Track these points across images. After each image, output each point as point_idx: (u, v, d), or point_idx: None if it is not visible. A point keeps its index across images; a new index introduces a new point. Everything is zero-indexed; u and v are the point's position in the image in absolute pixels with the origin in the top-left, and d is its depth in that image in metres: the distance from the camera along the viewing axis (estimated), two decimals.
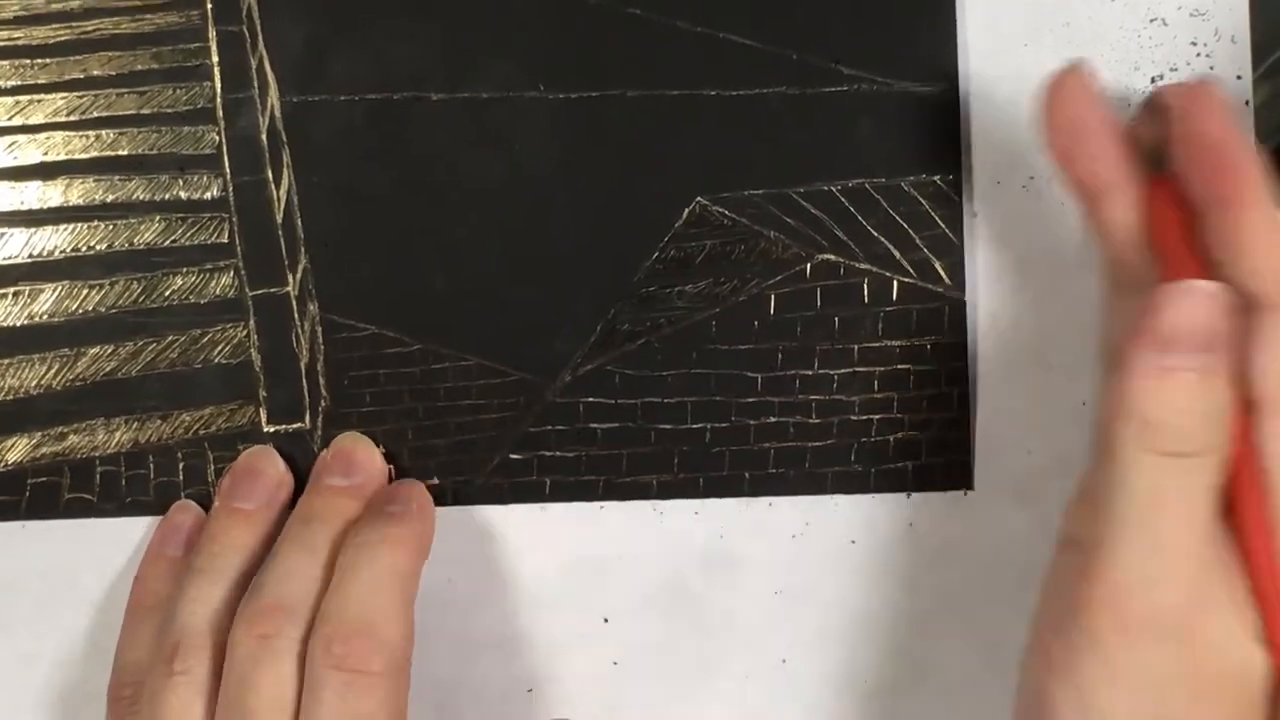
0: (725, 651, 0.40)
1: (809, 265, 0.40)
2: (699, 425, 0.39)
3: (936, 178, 0.39)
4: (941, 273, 0.40)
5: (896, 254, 0.40)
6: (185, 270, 0.39)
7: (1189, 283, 0.30)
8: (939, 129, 0.39)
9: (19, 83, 0.39)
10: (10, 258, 0.40)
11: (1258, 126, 0.39)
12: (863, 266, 0.40)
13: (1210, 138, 0.31)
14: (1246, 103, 0.39)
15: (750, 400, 0.39)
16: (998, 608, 0.39)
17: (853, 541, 0.40)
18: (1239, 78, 0.39)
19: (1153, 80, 0.39)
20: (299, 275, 0.39)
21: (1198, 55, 0.39)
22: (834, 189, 0.39)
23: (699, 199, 0.39)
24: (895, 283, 0.40)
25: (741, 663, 0.40)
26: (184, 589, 0.37)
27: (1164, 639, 0.30)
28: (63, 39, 0.39)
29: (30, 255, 0.39)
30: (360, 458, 0.39)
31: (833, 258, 0.40)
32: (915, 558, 0.40)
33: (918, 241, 0.40)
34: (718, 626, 0.40)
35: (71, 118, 0.39)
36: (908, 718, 0.40)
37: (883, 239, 0.39)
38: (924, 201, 0.39)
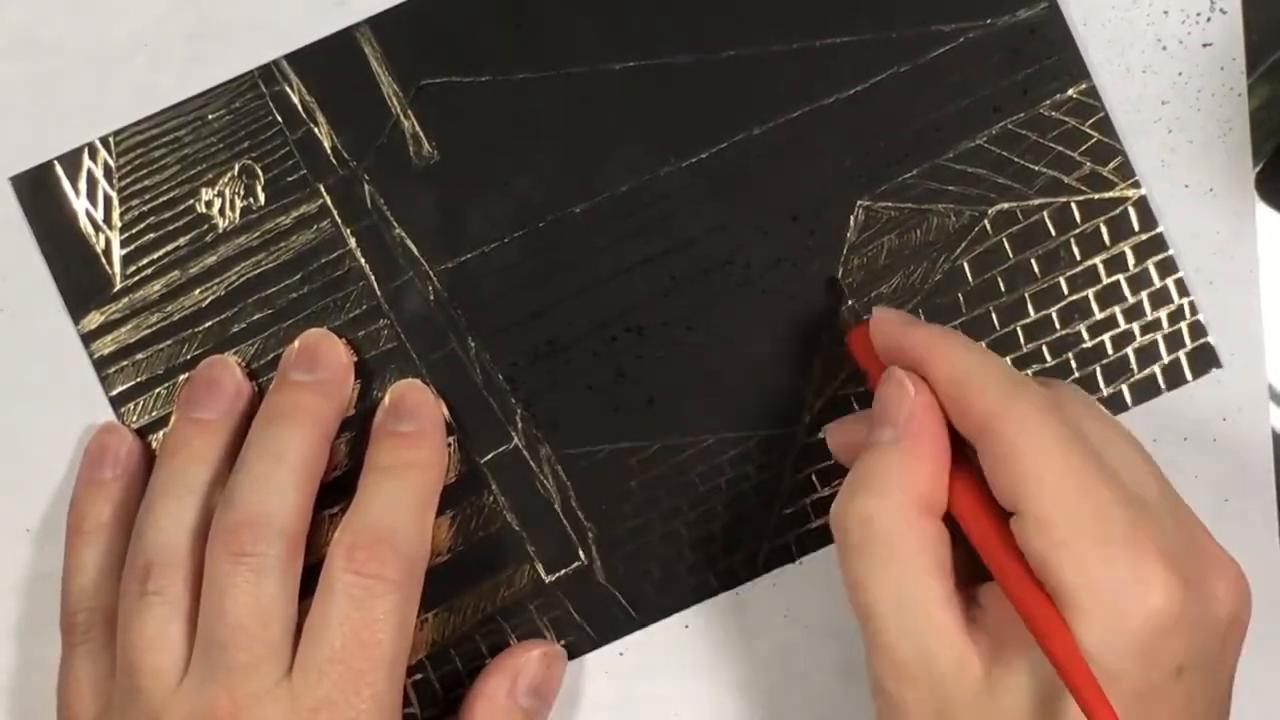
0: None
1: (986, 222, 0.39)
2: None
3: (1071, 91, 0.39)
4: (1111, 177, 0.39)
5: (1063, 178, 0.39)
6: None
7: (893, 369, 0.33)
8: (1055, 44, 0.39)
9: (189, 357, 0.39)
10: None
11: (1256, 128, 0.39)
12: (1036, 202, 0.39)
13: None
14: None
15: None
16: None
17: None
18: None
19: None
20: (519, 425, 0.39)
21: None
22: (980, 141, 0.39)
23: (859, 202, 0.39)
24: (1073, 204, 0.39)
25: None
26: (149, 507, 0.36)
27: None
28: (214, 297, 0.39)
29: None
30: (324, 352, 0.38)
31: (1005, 205, 0.39)
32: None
33: (1076, 158, 0.39)
34: None
35: (253, 365, 0.39)
36: None
37: (1044, 169, 0.39)
38: (1068, 118, 0.39)
